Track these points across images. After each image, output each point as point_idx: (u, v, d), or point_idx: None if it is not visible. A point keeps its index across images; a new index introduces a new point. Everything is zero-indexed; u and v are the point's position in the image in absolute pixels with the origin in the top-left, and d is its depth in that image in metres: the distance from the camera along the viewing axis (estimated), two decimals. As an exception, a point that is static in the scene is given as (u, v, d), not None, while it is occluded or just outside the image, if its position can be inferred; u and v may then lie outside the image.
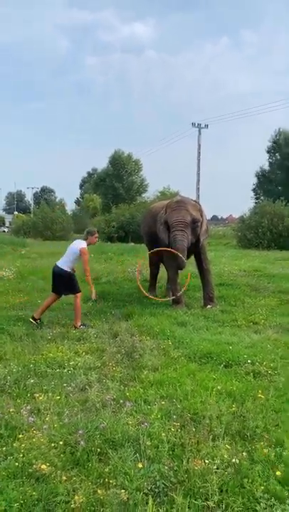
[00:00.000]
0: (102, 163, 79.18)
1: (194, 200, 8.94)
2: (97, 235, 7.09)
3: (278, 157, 51.65)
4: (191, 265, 9.82)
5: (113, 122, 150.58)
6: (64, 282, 6.81)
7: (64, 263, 6.83)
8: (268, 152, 52.83)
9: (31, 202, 79.08)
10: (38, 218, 38.78)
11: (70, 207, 63.62)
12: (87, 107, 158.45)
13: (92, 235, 6.95)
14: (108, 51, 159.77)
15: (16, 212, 72.97)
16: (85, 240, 6.89)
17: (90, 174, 78.27)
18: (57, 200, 59.23)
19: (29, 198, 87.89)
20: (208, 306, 7.99)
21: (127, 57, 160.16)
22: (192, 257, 8.70)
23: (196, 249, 8.28)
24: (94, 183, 68.35)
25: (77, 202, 76.29)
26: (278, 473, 2.74)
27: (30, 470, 2.74)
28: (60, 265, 6.85)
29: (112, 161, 62.52)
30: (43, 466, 2.72)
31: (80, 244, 6.81)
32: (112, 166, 62.33)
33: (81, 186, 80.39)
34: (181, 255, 7.64)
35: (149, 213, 9.65)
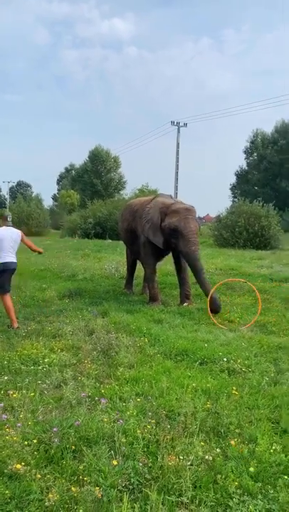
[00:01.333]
0: (79, 159, 78.57)
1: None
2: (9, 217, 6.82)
3: (255, 158, 52.44)
4: (169, 263, 9.88)
5: (92, 118, 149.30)
6: None
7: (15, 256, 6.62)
8: (245, 152, 53.61)
9: (7, 196, 77.77)
10: (14, 213, 38.23)
11: (47, 202, 62.98)
12: (65, 101, 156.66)
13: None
14: (87, 46, 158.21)
15: (-9, 207, 71.61)
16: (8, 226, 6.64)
17: (67, 170, 77.56)
18: (33, 195, 58.40)
19: (5, 192, 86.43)
20: (185, 304, 8.05)
21: (107, 53, 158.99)
22: (170, 255, 8.75)
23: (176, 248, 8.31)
24: (72, 178, 67.85)
25: (54, 197, 75.60)
26: (251, 469, 2.78)
27: (3, 468, 2.70)
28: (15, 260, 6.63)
29: (92, 157, 62.18)
30: (17, 465, 2.69)
31: (15, 231, 6.62)
32: (91, 162, 61.99)
33: (58, 182, 79.59)
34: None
35: (127, 209, 9.59)
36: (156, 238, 8.12)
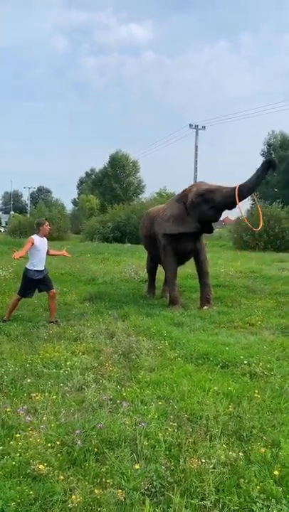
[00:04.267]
0: (99, 164, 79.15)
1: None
2: (47, 223, 7.11)
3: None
4: (188, 267, 9.86)
5: (111, 123, 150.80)
6: None
7: None
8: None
9: (28, 202, 78.88)
10: (35, 218, 38.69)
11: (68, 207, 63.61)
12: (84, 107, 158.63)
13: (42, 226, 6.98)
14: (106, 52, 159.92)
15: (12, 212, 72.74)
16: (38, 232, 6.95)
17: (88, 174, 78.27)
18: (53, 200, 59.11)
19: (26, 197, 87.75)
20: (205, 307, 8.01)
21: (124, 58, 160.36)
22: (192, 259, 8.73)
23: (196, 248, 8.30)
24: (92, 183, 68.41)
25: (74, 202, 76.28)
26: (275, 473, 2.75)
27: (27, 469, 2.74)
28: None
29: (111, 162, 62.61)
30: (40, 466, 2.72)
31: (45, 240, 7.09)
32: (111, 166, 62.42)
33: (78, 186, 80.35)
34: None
35: (147, 217, 9.69)
36: (187, 225, 8.02)
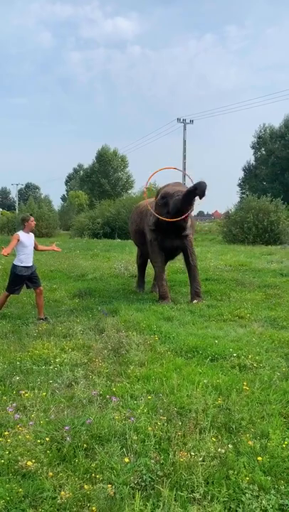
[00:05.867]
0: (87, 160, 78.84)
1: None
2: (32, 218, 7.07)
3: (263, 152, 52.03)
4: (178, 261, 9.87)
5: (98, 118, 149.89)
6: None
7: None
8: (253, 148, 53.23)
9: (16, 199, 78.25)
10: (25, 215, 38.38)
11: (56, 203, 63.29)
12: (71, 102, 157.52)
13: (27, 221, 6.95)
14: (92, 46, 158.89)
15: (0, 209, 72.17)
16: (23, 228, 6.93)
17: (76, 170, 77.85)
18: (42, 196, 58.74)
19: (14, 194, 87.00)
20: (195, 301, 8.04)
21: (111, 53, 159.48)
22: (180, 253, 8.74)
23: (183, 245, 8.32)
24: (80, 179, 68.09)
25: (63, 198, 75.89)
26: (263, 464, 2.77)
27: (16, 467, 2.72)
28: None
29: (99, 157, 62.33)
30: (29, 463, 2.71)
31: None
32: (99, 162, 62.15)
33: (67, 183, 79.91)
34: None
35: (135, 212, 9.68)
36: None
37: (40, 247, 7.23)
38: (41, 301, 6.95)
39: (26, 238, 6.82)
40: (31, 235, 6.97)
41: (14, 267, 6.83)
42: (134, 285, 10.00)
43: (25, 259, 6.82)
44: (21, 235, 6.79)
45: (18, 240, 6.72)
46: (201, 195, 7.20)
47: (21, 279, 6.86)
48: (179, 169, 8.56)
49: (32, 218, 7.03)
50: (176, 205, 7.50)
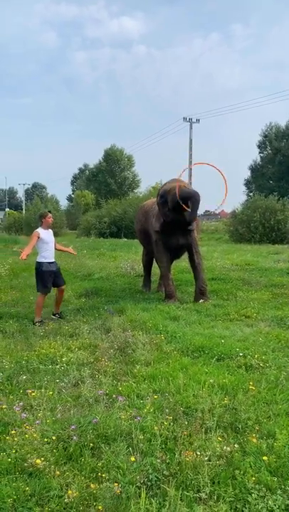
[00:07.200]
0: (93, 159, 78.96)
1: None
2: (50, 214, 7.08)
3: (269, 151, 51.80)
4: (184, 261, 9.86)
5: (103, 118, 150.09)
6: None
7: None
8: (259, 147, 53.00)
9: (23, 199, 78.56)
10: (31, 214, 38.63)
11: (62, 203, 63.48)
12: (76, 102, 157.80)
13: (44, 217, 6.95)
14: (97, 46, 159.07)
15: (7, 209, 72.49)
16: (41, 224, 6.93)
17: (81, 170, 77.95)
18: (48, 196, 58.90)
19: (21, 194, 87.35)
20: (201, 301, 8.02)
21: (116, 53, 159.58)
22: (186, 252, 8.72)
23: (187, 243, 8.30)
24: (86, 178, 68.20)
25: (70, 198, 76.03)
26: (270, 464, 2.76)
27: (23, 465, 2.74)
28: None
29: (106, 157, 62.40)
30: (36, 462, 2.73)
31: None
32: (106, 161, 62.22)
33: (72, 182, 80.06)
34: None
35: (141, 211, 9.68)
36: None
37: (58, 246, 7.20)
38: (61, 297, 7.06)
39: (46, 235, 6.82)
40: (50, 231, 6.97)
41: (39, 264, 6.78)
42: (140, 284, 10.00)
43: (49, 255, 6.80)
44: (41, 231, 6.78)
45: (39, 238, 6.69)
46: (188, 206, 7.32)
47: (49, 275, 6.82)
48: (214, 166, 8.50)
49: (50, 215, 7.03)
50: (174, 200, 7.49)
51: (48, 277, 6.79)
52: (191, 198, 7.40)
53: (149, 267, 9.90)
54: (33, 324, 6.44)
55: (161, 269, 8.67)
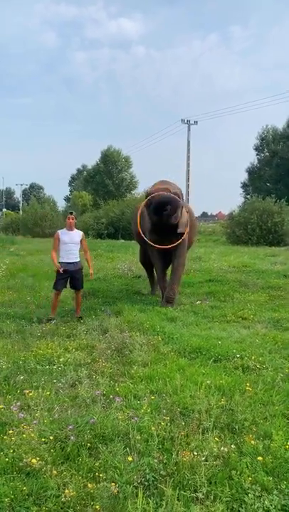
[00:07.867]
0: (92, 160, 78.93)
1: None
2: (70, 216, 7.12)
3: (266, 154, 51.91)
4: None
5: (102, 118, 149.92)
6: None
7: None
8: (256, 149, 53.10)
9: (20, 199, 78.43)
10: (28, 214, 38.55)
11: (60, 204, 63.36)
12: (75, 102, 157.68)
13: (66, 219, 7.14)
14: (96, 46, 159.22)
15: (4, 210, 72.32)
16: (65, 226, 7.12)
17: (79, 171, 77.84)
18: (46, 196, 58.78)
19: (18, 195, 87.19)
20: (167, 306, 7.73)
21: (115, 53, 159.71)
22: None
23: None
24: (84, 179, 68.10)
25: (67, 199, 75.91)
26: (266, 464, 2.78)
27: (20, 465, 2.74)
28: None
29: (103, 158, 62.36)
30: (34, 461, 2.73)
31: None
32: (103, 162, 62.19)
33: (70, 183, 79.93)
34: None
35: (136, 212, 9.64)
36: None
37: (87, 256, 7.33)
38: (78, 301, 7.15)
39: (65, 236, 6.92)
40: (74, 232, 7.01)
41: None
42: (138, 286, 9.97)
43: (65, 255, 6.91)
44: (60, 232, 6.99)
45: (58, 239, 6.91)
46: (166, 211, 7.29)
47: (63, 274, 6.86)
48: None
49: (71, 216, 7.06)
50: (150, 206, 7.50)
51: (60, 276, 6.90)
52: (167, 204, 7.30)
53: (149, 266, 9.86)
54: (48, 320, 6.58)
55: (156, 273, 8.67)
